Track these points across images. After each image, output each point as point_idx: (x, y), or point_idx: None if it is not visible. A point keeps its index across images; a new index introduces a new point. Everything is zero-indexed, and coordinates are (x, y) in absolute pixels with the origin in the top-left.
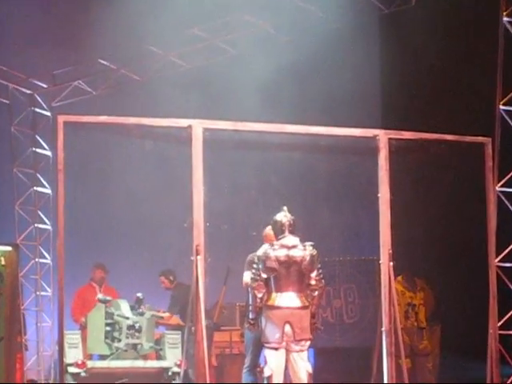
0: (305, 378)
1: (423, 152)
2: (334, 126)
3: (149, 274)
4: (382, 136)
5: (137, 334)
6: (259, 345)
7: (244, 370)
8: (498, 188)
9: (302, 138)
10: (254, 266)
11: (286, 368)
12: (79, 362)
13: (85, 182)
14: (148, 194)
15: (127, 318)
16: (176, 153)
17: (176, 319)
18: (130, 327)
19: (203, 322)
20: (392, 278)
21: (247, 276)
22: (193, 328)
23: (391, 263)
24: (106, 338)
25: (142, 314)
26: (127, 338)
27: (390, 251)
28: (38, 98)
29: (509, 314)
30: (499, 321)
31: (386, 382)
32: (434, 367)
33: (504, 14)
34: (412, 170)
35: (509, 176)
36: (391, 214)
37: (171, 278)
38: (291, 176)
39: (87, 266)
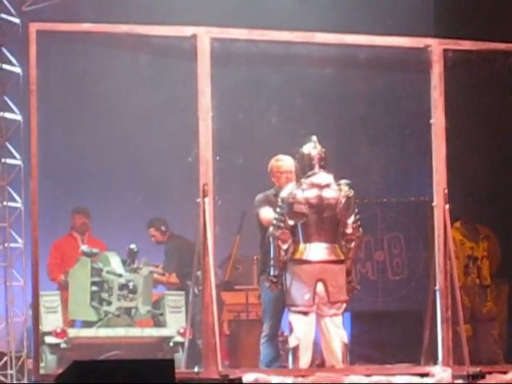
0: (339, 349)
1: (487, 67)
2: (375, 34)
3: (143, 222)
4: (436, 46)
5: (131, 295)
6: (282, 308)
7: (262, 340)
8: None
9: (335, 49)
10: (278, 209)
11: (316, 337)
12: (58, 331)
13: (63, 108)
14: (142, 122)
15: (119, 276)
16: (177, 70)
17: (173, 277)
18: (123, 287)
19: (213, 281)
20: (448, 224)
21: (267, 211)
22: (198, 288)
23: (447, 206)
24: (91, 300)
25: (136, 271)
26: (119, 300)
27: (446, 191)
28: (5, 1)
29: None
30: None
31: (440, 354)
32: (501, 335)
33: None
34: (473, 90)
35: None
36: (446, 146)
37: (163, 228)
38: (321, 98)
39: (66, 212)
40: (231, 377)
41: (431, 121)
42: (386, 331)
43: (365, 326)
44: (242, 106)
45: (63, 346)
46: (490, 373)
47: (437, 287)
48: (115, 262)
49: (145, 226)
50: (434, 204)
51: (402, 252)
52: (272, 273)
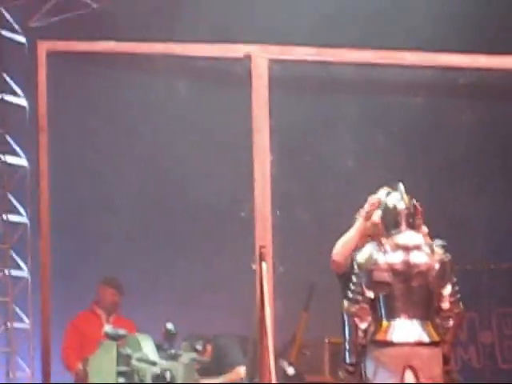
0: None
1: None
2: (479, 53)
3: (184, 293)
4: None
5: None
6: None
7: None
8: None
9: (428, 72)
10: (354, 279)
11: None
12: None
13: (81, 149)
14: (182, 166)
15: (153, 364)
16: (226, 100)
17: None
18: (158, 378)
19: (273, 368)
20: None
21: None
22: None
23: None
24: None
25: (175, 358)
26: None
27: None
28: (6, 14)
29: None
30: None
31: None
32: None
33: None
34: None
35: None
36: None
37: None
38: (410, 135)
39: (86, 283)
40: None
41: None
42: None
43: None
44: (308, 147)
45: None
46: None
47: None
48: (148, 347)
49: (186, 298)
50: None
51: None
52: (348, 360)
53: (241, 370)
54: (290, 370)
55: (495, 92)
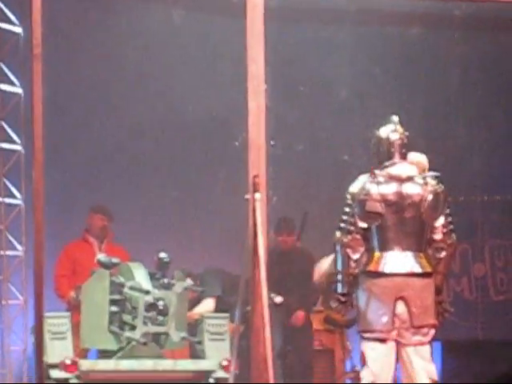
0: None
1: None
2: None
3: (178, 224)
4: None
5: (160, 317)
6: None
7: None
8: None
9: (424, 3)
10: (346, 209)
11: (396, 370)
12: (68, 363)
13: (75, 77)
14: (177, 96)
15: (146, 293)
16: (220, 31)
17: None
18: (150, 307)
19: (265, 298)
20: None
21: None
22: (248, 308)
23: None
24: (110, 323)
25: (168, 287)
26: (145, 323)
27: None
28: None
29: None
30: None
31: None
32: None
33: None
34: None
35: None
36: None
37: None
38: (405, 66)
39: (79, 212)
40: None
41: None
42: (485, 366)
43: (459, 359)
44: (303, 77)
45: (73, 381)
46: None
47: None
48: (141, 276)
49: (179, 229)
50: None
51: (509, 265)
52: (340, 290)
53: (211, 303)
54: (278, 299)
55: (491, 23)
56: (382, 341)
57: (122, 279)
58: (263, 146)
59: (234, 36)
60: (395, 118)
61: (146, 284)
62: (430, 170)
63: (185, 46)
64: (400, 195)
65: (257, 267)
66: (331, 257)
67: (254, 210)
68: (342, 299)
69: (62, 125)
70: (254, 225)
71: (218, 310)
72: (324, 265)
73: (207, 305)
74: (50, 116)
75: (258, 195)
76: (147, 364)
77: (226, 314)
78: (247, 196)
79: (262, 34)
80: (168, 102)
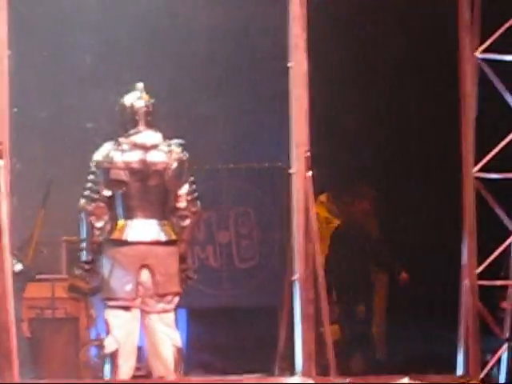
0: (170, 355)
1: None
2: None
3: None
4: None
5: None
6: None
7: None
8: (477, 54)
9: None
10: (90, 177)
11: (141, 339)
12: None
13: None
14: None
15: None
16: None
17: None
18: None
19: (8, 267)
20: (311, 197)
21: None
22: None
23: (309, 173)
24: None
25: None
26: None
27: (308, 154)
28: None
29: (495, 255)
30: (479, 265)
31: (299, 361)
32: (379, 336)
33: None
34: (347, 24)
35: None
36: (310, 97)
37: None
38: (150, 34)
39: None
40: None
41: (289, 64)
42: (231, 332)
43: (204, 326)
44: (48, 42)
45: None
46: None
47: (295, 277)
48: None
49: None
50: (291, 171)
51: (253, 232)
52: (84, 258)
53: None
54: (18, 266)
55: None
56: (126, 308)
57: None
58: (6, 112)
59: None
60: (140, 86)
61: None
62: (176, 137)
63: None
64: (144, 163)
65: (1, 234)
66: None
67: None
68: (86, 267)
69: None
70: None
71: None
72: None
73: None
74: None
75: (1, 162)
76: None
77: None
78: None
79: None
80: None
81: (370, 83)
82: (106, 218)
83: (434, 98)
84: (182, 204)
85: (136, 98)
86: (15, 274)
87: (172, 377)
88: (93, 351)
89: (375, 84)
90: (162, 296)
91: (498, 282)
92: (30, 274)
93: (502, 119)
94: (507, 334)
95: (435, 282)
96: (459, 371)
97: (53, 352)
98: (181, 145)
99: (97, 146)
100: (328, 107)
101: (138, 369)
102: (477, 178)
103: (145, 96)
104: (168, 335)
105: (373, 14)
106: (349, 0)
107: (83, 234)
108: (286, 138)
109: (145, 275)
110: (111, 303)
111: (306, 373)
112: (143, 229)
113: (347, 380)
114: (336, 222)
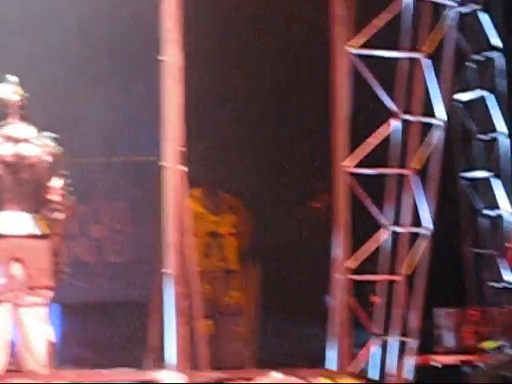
0: (42, 349)
1: None
2: None
3: None
4: None
5: None
6: None
7: None
8: (349, 49)
9: None
10: None
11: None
12: None
13: None
14: None
15: None
16: None
17: None
18: None
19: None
20: (184, 191)
21: None
22: None
23: (183, 168)
24: None
25: None
26: None
27: (183, 149)
28: None
29: (364, 248)
30: (350, 257)
31: (171, 356)
32: (250, 333)
33: None
34: (225, 16)
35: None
36: (186, 91)
37: None
38: (28, 26)
39: None
40: None
41: (161, 58)
42: (103, 327)
43: (77, 321)
44: None
45: None
46: (232, 380)
47: (166, 270)
48: None
49: None
50: (164, 164)
51: (126, 227)
52: None
53: None
54: None
55: None
56: None
57: None
58: None
59: None
60: (13, 79)
61: None
62: (49, 131)
63: None
64: (17, 156)
65: None
66: None
67: None
68: None
69: None
70: None
71: None
72: None
73: None
74: None
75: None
76: None
77: None
78: None
79: None
80: None
81: (245, 77)
82: None
83: (311, 94)
84: (54, 197)
85: (10, 92)
86: None
87: (44, 371)
88: None
89: (251, 79)
90: (34, 290)
91: (368, 277)
92: None
93: (375, 115)
94: (377, 329)
95: (309, 278)
96: (330, 365)
97: None
98: (54, 138)
99: None
100: (204, 103)
101: (10, 363)
102: (348, 173)
103: (18, 89)
104: (40, 329)
105: (249, 8)
106: None
107: None
108: (160, 132)
109: (17, 269)
110: None
111: (179, 368)
112: (15, 222)
113: (219, 374)
114: (212, 219)
